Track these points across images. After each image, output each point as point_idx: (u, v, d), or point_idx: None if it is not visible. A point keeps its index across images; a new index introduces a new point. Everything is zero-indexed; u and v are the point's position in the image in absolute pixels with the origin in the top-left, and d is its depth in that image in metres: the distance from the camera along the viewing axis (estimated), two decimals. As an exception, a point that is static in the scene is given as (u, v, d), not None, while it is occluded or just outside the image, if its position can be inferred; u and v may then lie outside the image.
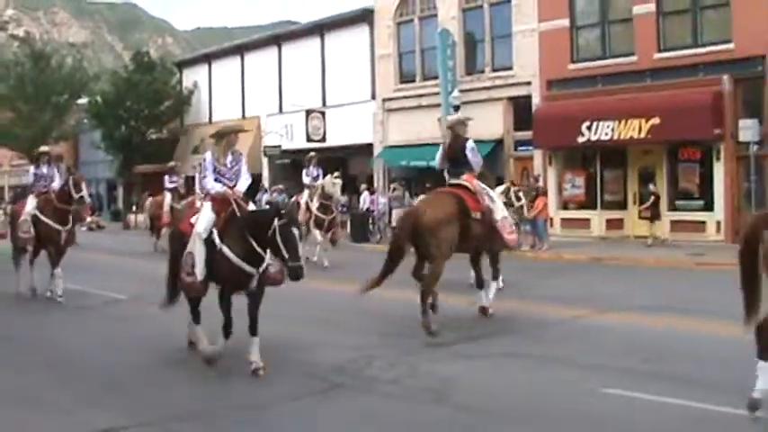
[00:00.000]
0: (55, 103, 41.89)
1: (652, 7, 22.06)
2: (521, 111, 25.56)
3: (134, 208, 40.45)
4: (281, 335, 9.13)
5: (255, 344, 7.82)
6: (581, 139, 22.79)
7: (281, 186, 27.07)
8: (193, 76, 40.36)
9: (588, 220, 23.70)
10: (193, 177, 23.30)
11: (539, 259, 19.88)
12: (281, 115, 33.91)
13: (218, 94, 38.66)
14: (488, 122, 25.88)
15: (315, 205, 18.41)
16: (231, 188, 8.33)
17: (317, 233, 18.29)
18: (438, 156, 11.18)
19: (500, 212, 10.59)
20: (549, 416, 6.50)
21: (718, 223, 21.04)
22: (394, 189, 26.34)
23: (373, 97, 30.34)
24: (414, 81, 29.06)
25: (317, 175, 19.37)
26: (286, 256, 7.49)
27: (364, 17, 30.78)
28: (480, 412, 6.60)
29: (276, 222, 7.52)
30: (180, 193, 23.01)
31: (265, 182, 33.58)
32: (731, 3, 20.54)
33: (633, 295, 13.00)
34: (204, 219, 8.13)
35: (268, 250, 7.77)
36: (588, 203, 24.08)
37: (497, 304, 10.86)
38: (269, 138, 34.36)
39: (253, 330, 7.85)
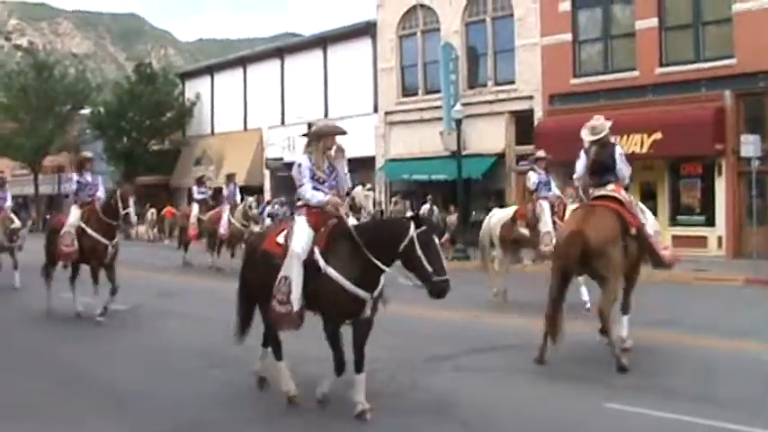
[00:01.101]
0: (57, 114, 42.08)
1: (654, 22, 22.17)
2: (523, 125, 25.62)
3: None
4: (284, 348, 9.13)
5: (361, 382, 6.80)
6: (583, 154, 22.79)
7: (282, 198, 27.08)
8: (196, 88, 40.51)
9: (590, 234, 23.60)
10: (220, 189, 22.73)
11: (540, 272, 19.76)
12: (283, 127, 33.97)
13: (220, 105, 38.81)
14: (490, 136, 26.03)
15: None
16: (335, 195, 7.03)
17: None
18: (578, 169, 9.79)
19: (652, 227, 9.56)
20: (551, 430, 6.50)
21: (720, 238, 21.10)
22: (395, 202, 26.37)
23: (375, 110, 30.45)
24: (416, 94, 29.17)
25: None
26: (430, 269, 6.31)
27: (367, 30, 30.96)
28: (482, 426, 6.60)
29: (414, 231, 6.37)
30: (208, 204, 22.27)
31: (267, 194, 33.66)
32: (733, 18, 20.66)
33: (633, 309, 12.93)
34: (301, 236, 6.84)
35: (387, 271, 6.64)
36: (590, 218, 23.99)
37: (504, 320, 10.58)
38: (271, 150, 34.44)
39: (359, 366, 6.80)
